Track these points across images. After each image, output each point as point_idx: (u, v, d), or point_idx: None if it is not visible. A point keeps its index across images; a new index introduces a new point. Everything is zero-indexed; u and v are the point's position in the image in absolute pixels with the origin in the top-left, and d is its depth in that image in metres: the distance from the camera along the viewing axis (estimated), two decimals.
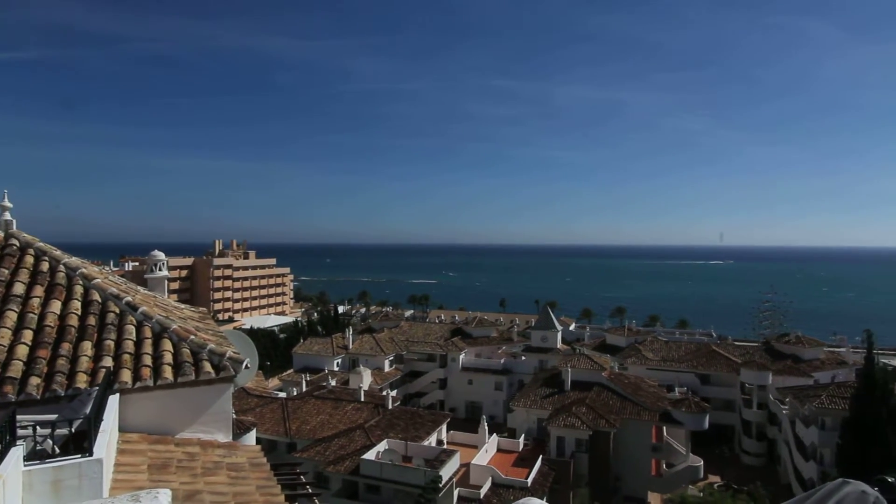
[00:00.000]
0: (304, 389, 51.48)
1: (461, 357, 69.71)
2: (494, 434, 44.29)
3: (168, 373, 6.44)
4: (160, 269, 12.88)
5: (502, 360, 69.71)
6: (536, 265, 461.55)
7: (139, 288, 9.52)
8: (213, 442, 6.52)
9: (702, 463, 47.39)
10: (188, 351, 6.80)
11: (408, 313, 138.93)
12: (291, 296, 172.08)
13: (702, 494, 43.40)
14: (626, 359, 64.49)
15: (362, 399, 45.13)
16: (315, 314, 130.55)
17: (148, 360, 6.57)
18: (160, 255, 13.39)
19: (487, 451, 40.51)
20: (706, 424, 48.00)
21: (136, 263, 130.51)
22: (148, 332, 6.97)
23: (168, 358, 6.66)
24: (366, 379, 56.44)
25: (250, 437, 28.02)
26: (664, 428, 47.70)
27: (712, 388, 60.25)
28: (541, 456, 40.74)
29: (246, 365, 6.97)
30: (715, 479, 49.40)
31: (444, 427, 42.75)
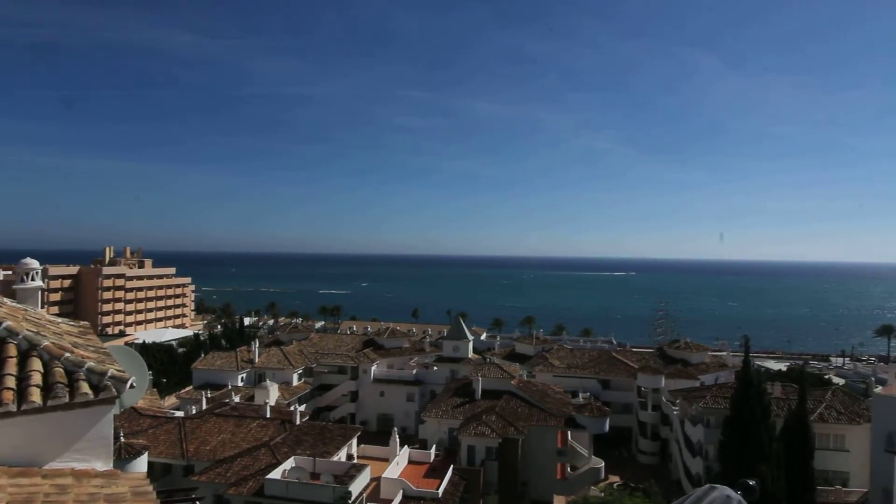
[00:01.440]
0: (205, 407, 48.39)
1: (373, 369, 68.80)
2: (406, 446, 43.96)
3: (35, 395, 5.73)
4: (33, 279, 11.57)
5: (414, 371, 69.61)
6: (449, 275, 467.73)
7: (5, 300, 8.48)
8: (89, 471, 5.87)
9: (603, 464, 49.88)
10: (61, 370, 6.10)
11: (318, 325, 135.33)
12: (192, 308, 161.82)
13: (602, 494, 45.60)
14: (535, 367, 66.66)
15: (268, 415, 43.16)
16: (219, 327, 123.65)
17: (11, 381, 5.81)
18: (33, 262, 12.04)
19: (398, 463, 40.12)
20: (607, 427, 50.66)
21: (10, 273, 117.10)
22: (12, 350, 6.19)
23: (36, 379, 5.92)
24: (272, 394, 54.13)
25: (141, 462, 25.92)
26: (569, 432, 49.68)
27: (612, 393, 63.72)
28: (452, 466, 40.92)
29: (132, 384, 6.38)
30: (615, 478, 52.06)
31: (355, 441, 41.87)
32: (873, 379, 76.30)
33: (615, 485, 50.08)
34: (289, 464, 34.13)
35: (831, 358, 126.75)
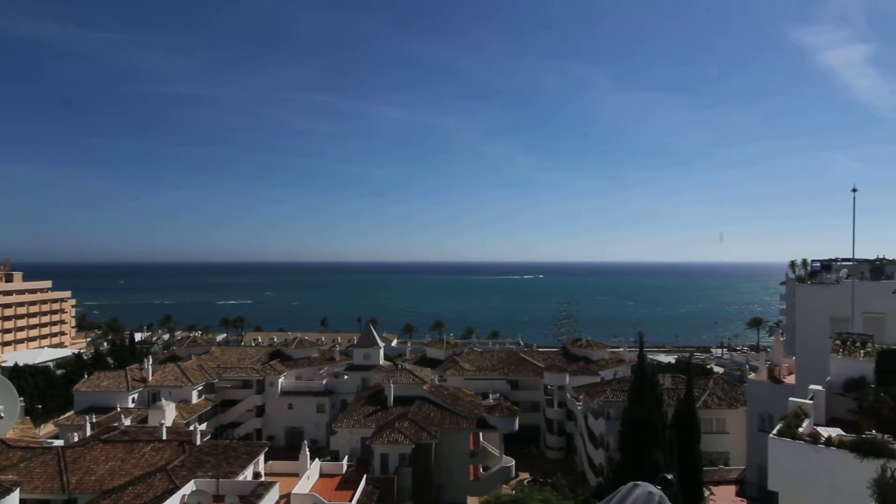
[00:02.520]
0: (89, 433, 43.94)
1: (280, 381, 66.14)
2: (317, 459, 42.63)
3: None
4: None
5: (324, 381, 67.79)
6: (357, 282, 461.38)
7: None
8: None
9: (513, 462, 51.28)
10: None
11: (220, 337, 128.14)
12: (73, 324, 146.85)
13: (514, 492, 46.79)
14: (446, 370, 67.30)
15: (164, 437, 39.98)
16: (105, 344, 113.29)
17: None
18: None
19: (309, 477, 38.78)
20: (517, 426, 52.12)
21: None
22: None
23: None
24: (169, 414, 50.35)
25: (11, 501, 22.99)
26: (480, 434, 50.60)
27: (521, 393, 65.81)
28: (365, 475, 40.20)
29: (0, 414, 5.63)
30: (525, 475, 53.59)
31: (262, 458, 39.88)
32: (747, 366, 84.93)
33: (525, 481, 51.56)
34: (188, 488, 31.82)
35: (712, 349, 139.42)
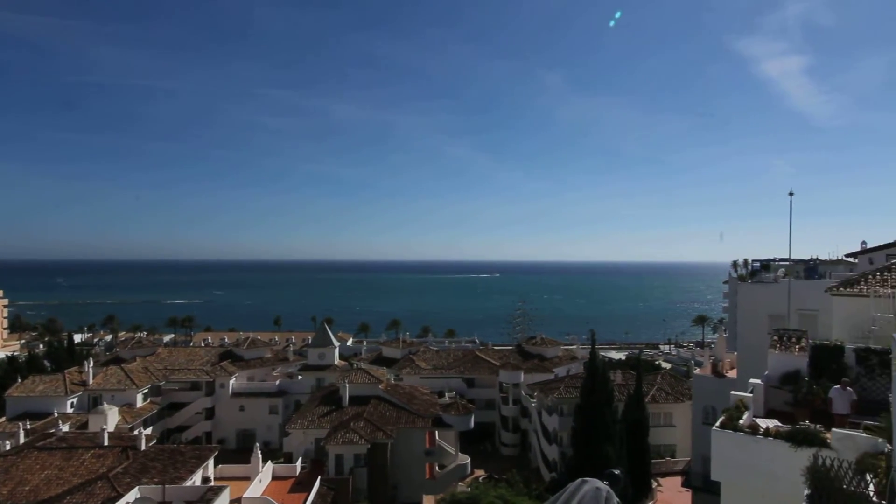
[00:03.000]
0: (23, 441, 41.57)
1: (231, 382, 64.39)
2: (269, 461, 41.71)
3: None
4: None
5: (277, 382, 66.41)
6: (312, 281, 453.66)
7: None
8: None
9: (469, 460, 51.67)
10: None
11: (167, 338, 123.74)
12: (4, 325, 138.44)
13: (469, 489, 47.16)
14: (402, 369, 67.10)
15: (106, 443, 38.25)
16: (41, 346, 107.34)
17: None
18: None
19: (261, 480, 37.92)
20: (472, 424, 52.51)
21: None
22: None
23: None
24: (111, 418, 48.22)
25: None
26: (436, 432, 50.71)
27: (477, 390, 66.31)
28: (319, 477, 39.63)
29: None
30: (480, 472, 54.06)
31: (212, 462, 38.73)
32: (693, 362, 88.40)
33: (480, 478, 52.02)
34: (132, 495, 30.58)
35: (660, 346, 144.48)
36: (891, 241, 33.71)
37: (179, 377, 63.97)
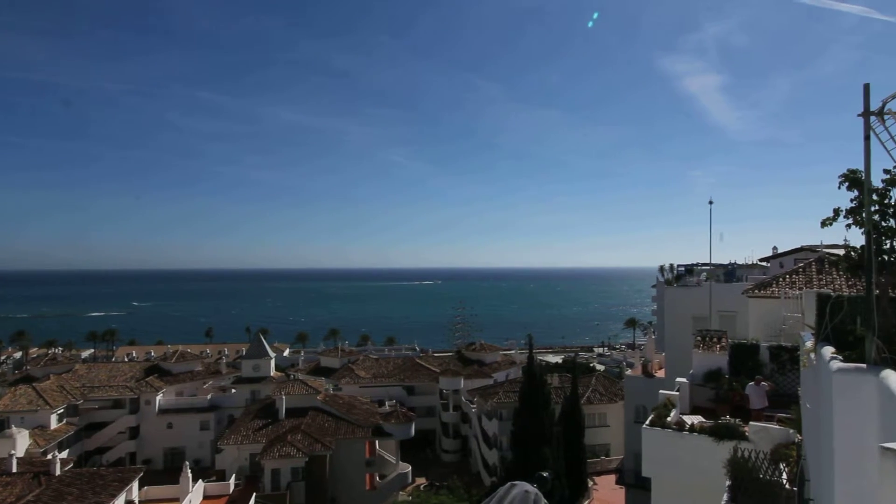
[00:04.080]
0: None
1: (158, 398, 61.01)
2: (200, 480, 39.78)
3: None
4: None
5: (209, 396, 63.52)
6: (244, 290, 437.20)
7: None
8: None
9: (410, 468, 51.39)
10: None
11: (86, 354, 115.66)
12: None
13: (410, 498, 46.88)
14: (341, 379, 65.97)
15: (14, 469, 35.26)
16: None
17: None
18: None
19: (192, 501, 36.13)
20: (413, 432, 52.29)
21: None
22: None
23: None
24: (20, 443, 44.57)
25: None
26: (377, 442, 50.14)
27: (417, 398, 66.12)
28: (254, 494, 38.24)
29: None
30: (421, 480, 53.97)
31: (136, 484, 36.49)
32: (625, 363, 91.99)
33: (421, 486, 51.91)
34: None
35: (594, 348, 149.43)
36: (798, 246, 36.58)
37: (100, 395, 59.99)
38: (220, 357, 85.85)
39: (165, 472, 54.15)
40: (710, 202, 30.59)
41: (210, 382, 68.21)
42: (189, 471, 38.56)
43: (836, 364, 4.82)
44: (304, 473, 42.92)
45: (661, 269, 44.59)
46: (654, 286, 48.64)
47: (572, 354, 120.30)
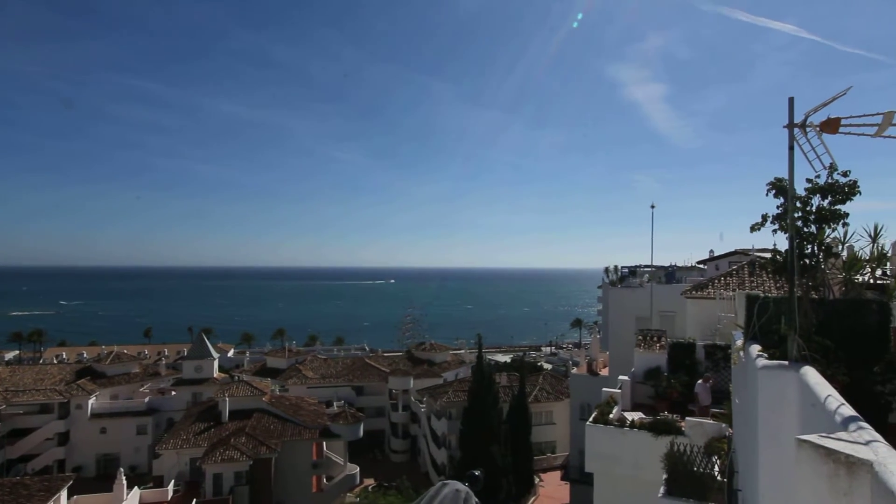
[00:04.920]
0: None
1: (90, 402, 57.94)
2: (136, 487, 38.11)
3: None
4: None
5: (147, 399, 60.79)
6: (185, 288, 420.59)
7: None
8: None
9: (358, 469, 50.87)
10: None
11: (10, 355, 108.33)
12: None
13: (358, 499, 46.45)
14: (288, 380, 64.60)
15: None
16: None
17: None
18: None
19: None
20: (361, 433, 51.84)
21: None
22: None
23: None
24: None
25: None
26: (324, 443, 49.38)
27: (366, 398, 65.55)
28: (195, 500, 36.94)
29: None
30: (370, 481, 53.55)
31: (65, 493, 34.49)
32: (571, 362, 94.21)
33: (370, 487, 51.52)
34: None
35: (542, 348, 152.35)
36: (733, 249, 38.54)
37: (24, 399, 56.36)
38: (160, 358, 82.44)
39: (98, 479, 51.47)
40: (652, 206, 31.81)
41: (148, 385, 65.32)
42: (124, 477, 36.88)
43: (761, 361, 5.13)
44: (249, 477, 41.77)
45: (606, 270, 45.94)
46: (599, 287, 50.10)
47: (520, 354, 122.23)
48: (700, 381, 17.28)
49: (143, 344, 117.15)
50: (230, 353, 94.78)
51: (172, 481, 41.13)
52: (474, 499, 2.96)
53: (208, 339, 72.22)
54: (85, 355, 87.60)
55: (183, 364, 65.91)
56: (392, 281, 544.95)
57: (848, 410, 3.46)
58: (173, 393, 61.58)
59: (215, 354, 67.11)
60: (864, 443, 2.80)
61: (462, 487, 2.99)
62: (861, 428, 3.10)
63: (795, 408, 4.59)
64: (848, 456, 2.61)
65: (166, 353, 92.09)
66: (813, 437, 2.84)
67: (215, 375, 63.96)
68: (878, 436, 2.93)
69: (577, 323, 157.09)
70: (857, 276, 7.04)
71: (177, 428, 47.95)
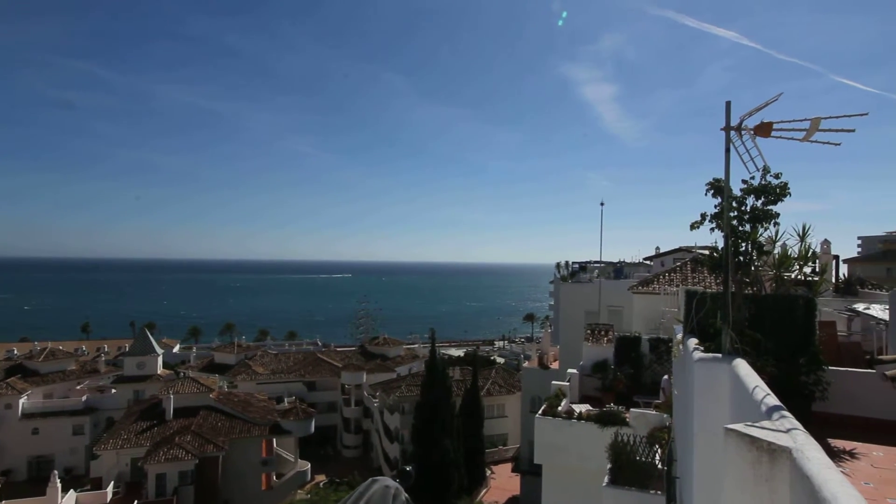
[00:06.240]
0: None
1: (21, 401, 54.75)
2: (72, 490, 36.37)
3: None
4: None
5: (84, 398, 57.96)
6: (127, 281, 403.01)
7: None
8: None
9: (309, 466, 50.19)
10: None
11: None
12: None
13: (309, 496, 45.85)
14: (236, 376, 63.03)
15: None
16: None
17: None
18: None
19: None
20: (312, 429, 51.12)
21: None
22: None
23: None
24: None
25: None
26: (274, 440, 48.46)
27: (318, 394, 64.70)
28: (136, 502, 35.58)
29: None
30: (321, 477, 52.93)
31: None
32: (522, 356, 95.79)
33: (321, 484, 50.95)
34: None
35: (495, 342, 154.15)
36: (677, 247, 40.04)
37: None
38: (99, 354, 78.73)
39: (30, 482, 48.84)
40: (602, 204, 32.66)
41: (86, 383, 62.32)
42: (58, 480, 35.16)
43: (697, 354, 5.36)
44: (194, 476, 40.54)
45: (558, 265, 46.86)
46: (551, 282, 51.07)
47: (473, 348, 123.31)
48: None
49: (81, 340, 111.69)
50: (175, 349, 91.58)
51: (112, 483, 39.48)
52: (404, 494, 2.96)
53: (152, 334, 69.56)
54: (15, 352, 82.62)
55: (124, 360, 63.14)
56: (348, 275, 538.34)
57: (773, 400, 3.65)
58: (113, 391, 58.97)
59: (159, 350, 64.64)
60: (784, 431, 2.96)
61: (392, 483, 2.98)
62: (783, 417, 3.28)
63: (727, 398, 4.82)
64: (770, 443, 2.76)
65: (106, 350, 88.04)
66: (739, 426, 2.98)
67: (159, 372, 61.64)
68: (798, 424, 3.11)
69: (530, 317, 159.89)
70: (787, 273, 7.44)
71: (117, 427, 45.98)
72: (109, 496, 37.41)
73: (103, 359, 72.21)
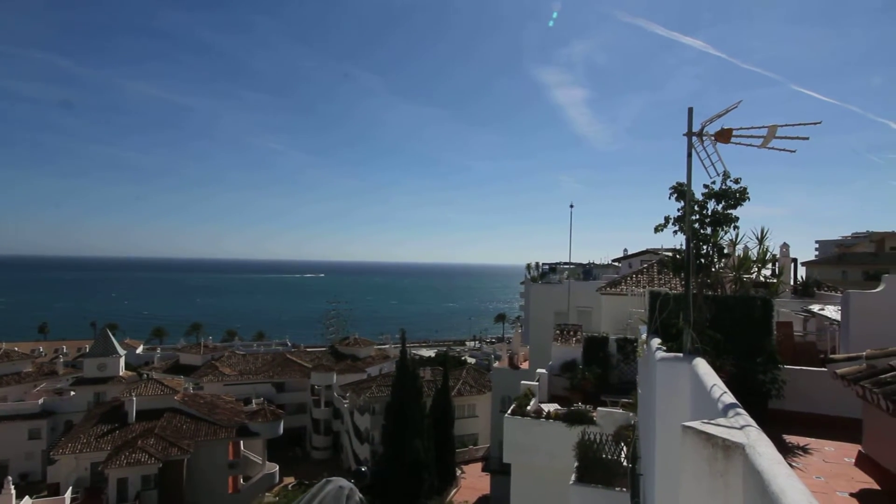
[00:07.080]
0: None
1: None
2: (27, 497, 35.05)
3: None
4: None
5: (41, 401, 55.89)
6: (89, 280, 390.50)
7: None
8: None
9: (277, 468, 49.49)
10: None
11: None
12: None
13: (277, 499, 45.22)
14: (203, 377, 61.73)
15: None
16: None
17: None
18: None
19: None
20: (281, 430, 50.43)
21: None
22: None
23: None
24: None
25: None
26: (241, 442, 47.63)
27: (287, 395, 63.82)
28: None
29: None
30: (290, 480, 52.23)
31: None
32: (493, 356, 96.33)
33: (290, 486, 50.29)
34: None
35: (466, 342, 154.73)
36: (644, 249, 40.87)
37: None
38: (57, 356, 76.12)
39: None
40: (571, 206, 33.10)
41: (43, 385, 60.14)
42: (13, 486, 33.88)
43: (660, 353, 5.50)
44: (158, 481, 39.56)
45: (528, 267, 47.31)
46: (522, 283, 51.49)
47: (444, 348, 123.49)
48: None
49: (38, 341, 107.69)
50: (139, 350, 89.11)
51: (70, 488, 38.20)
52: (358, 495, 2.96)
53: (114, 334, 67.49)
54: None
55: (84, 362, 61.14)
56: (322, 275, 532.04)
57: (729, 398, 3.78)
58: (72, 393, 57.04)
59: (121, 351, 62.80)
60: (739, 427, 3.07)
61: (346, 484, 2.98)
62: (738, 414, 3.40)
63: (687, 396, 4.95)
64: (724, 440, 2.86)
65: (65, 351, 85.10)
66: (696, 424, 3.08)
67: (121, 374, 59.88)
68: (751, 421, 3.23)
69: (501, 318, 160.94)
70: (747, 275, 7.69)
71: (76, 431, 44.51)
72: (67, 501, 36.21)
73: (62, 360, 69.81)
